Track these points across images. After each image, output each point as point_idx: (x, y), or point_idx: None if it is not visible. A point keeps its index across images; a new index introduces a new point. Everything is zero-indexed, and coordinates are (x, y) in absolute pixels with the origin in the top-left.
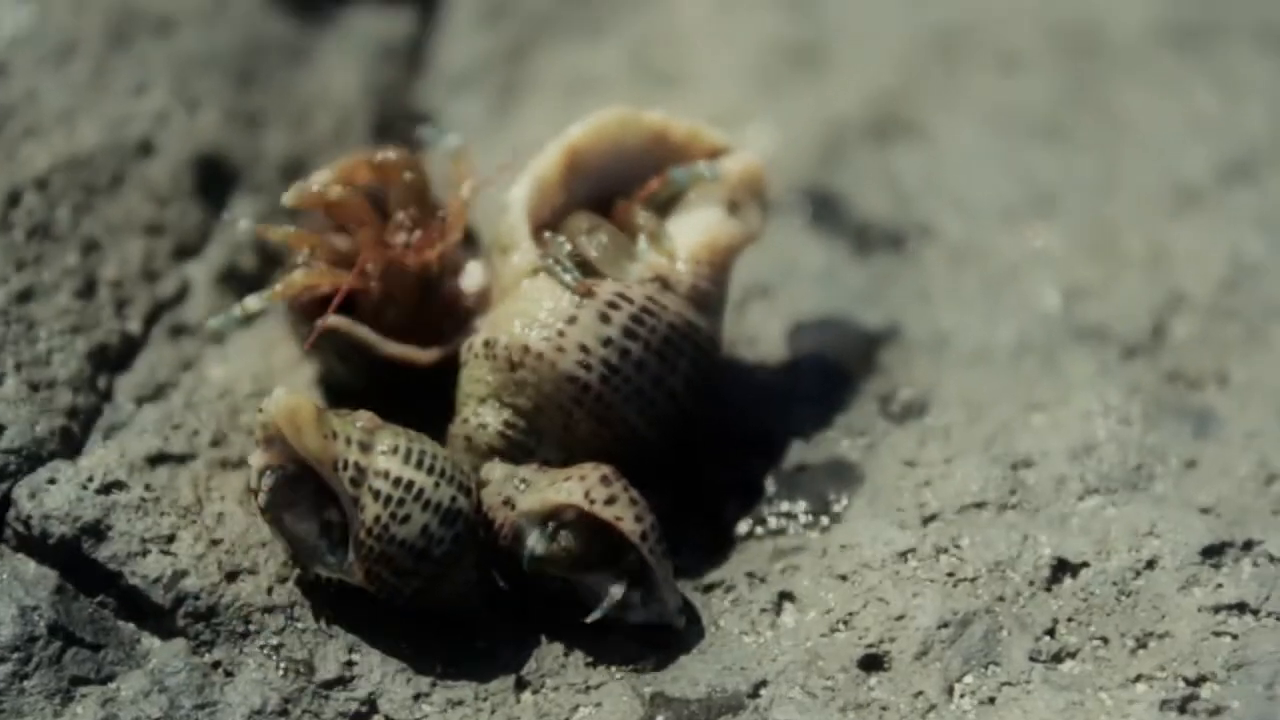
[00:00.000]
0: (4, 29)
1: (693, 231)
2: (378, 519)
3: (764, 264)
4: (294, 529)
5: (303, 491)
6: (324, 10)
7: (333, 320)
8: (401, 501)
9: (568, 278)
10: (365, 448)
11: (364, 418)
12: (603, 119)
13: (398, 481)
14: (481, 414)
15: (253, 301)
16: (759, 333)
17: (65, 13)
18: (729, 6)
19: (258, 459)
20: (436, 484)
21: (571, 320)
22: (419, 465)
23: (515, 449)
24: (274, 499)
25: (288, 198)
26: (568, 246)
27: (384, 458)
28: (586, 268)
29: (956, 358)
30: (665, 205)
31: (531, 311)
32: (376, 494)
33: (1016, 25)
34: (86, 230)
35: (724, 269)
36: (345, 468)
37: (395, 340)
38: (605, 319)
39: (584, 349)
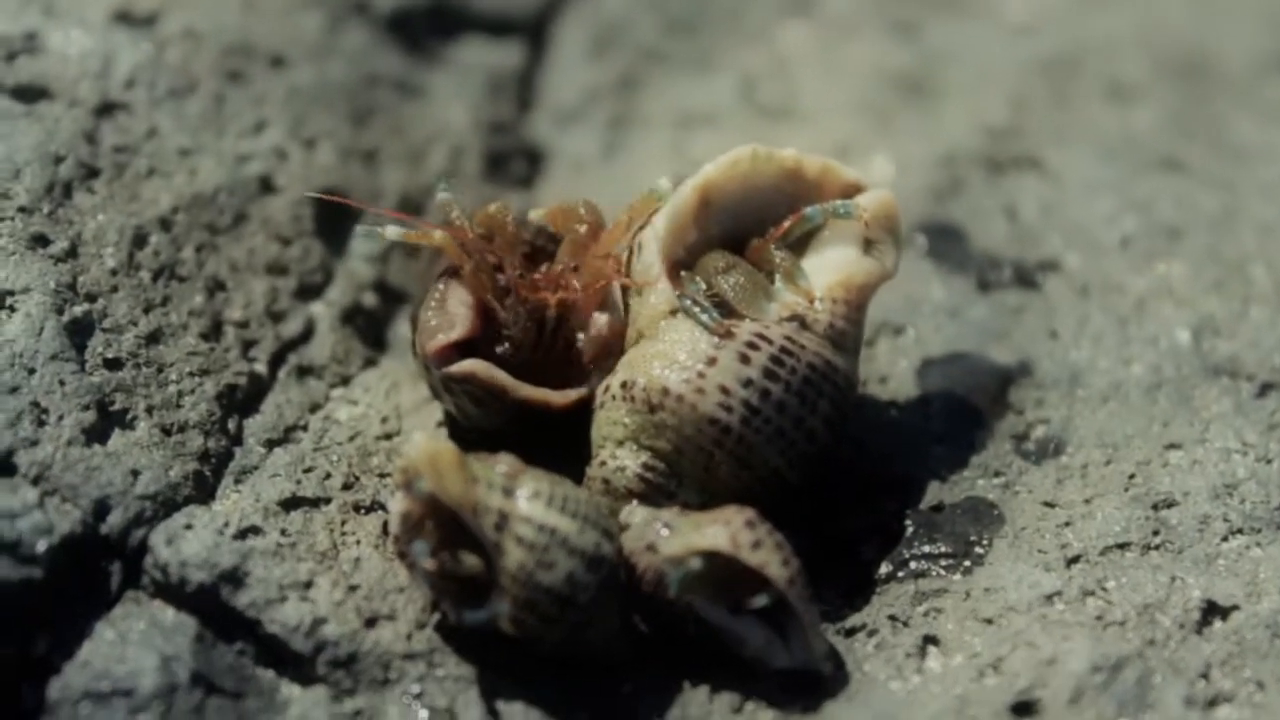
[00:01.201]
0: (121, 68)
1: (828, 270)
2: (522, 566)
3: (889, 300)
4: (448, 568)
5: (445, 538)
6: (434, 45)
7: (469, 364)
8: (546, 548)
9: (705, 318)
10: (508, 493)
11: (505, 462)
12: (736, 156)
13: (542, 528)
14: (620, 457)
15: (393, 230)
16: (889, 370)
17: (180, 50)
18: (835, 38)
19: (398, 504)
20: (581, 530)
21: (711, 361)
22: (563, 510)
23: (655, 491)
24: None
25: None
26: (704, 286)
27: (527, 503)
28: (723, 307)
29: (1089, 395)
30: (799, 244)
31: (670, 353)
32: (520, 539)
33: (1125, 55)
34: (211, 270)
35: (860, 308)
36: (488, 513)
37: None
38: (745, 360)
39: (724, 390)
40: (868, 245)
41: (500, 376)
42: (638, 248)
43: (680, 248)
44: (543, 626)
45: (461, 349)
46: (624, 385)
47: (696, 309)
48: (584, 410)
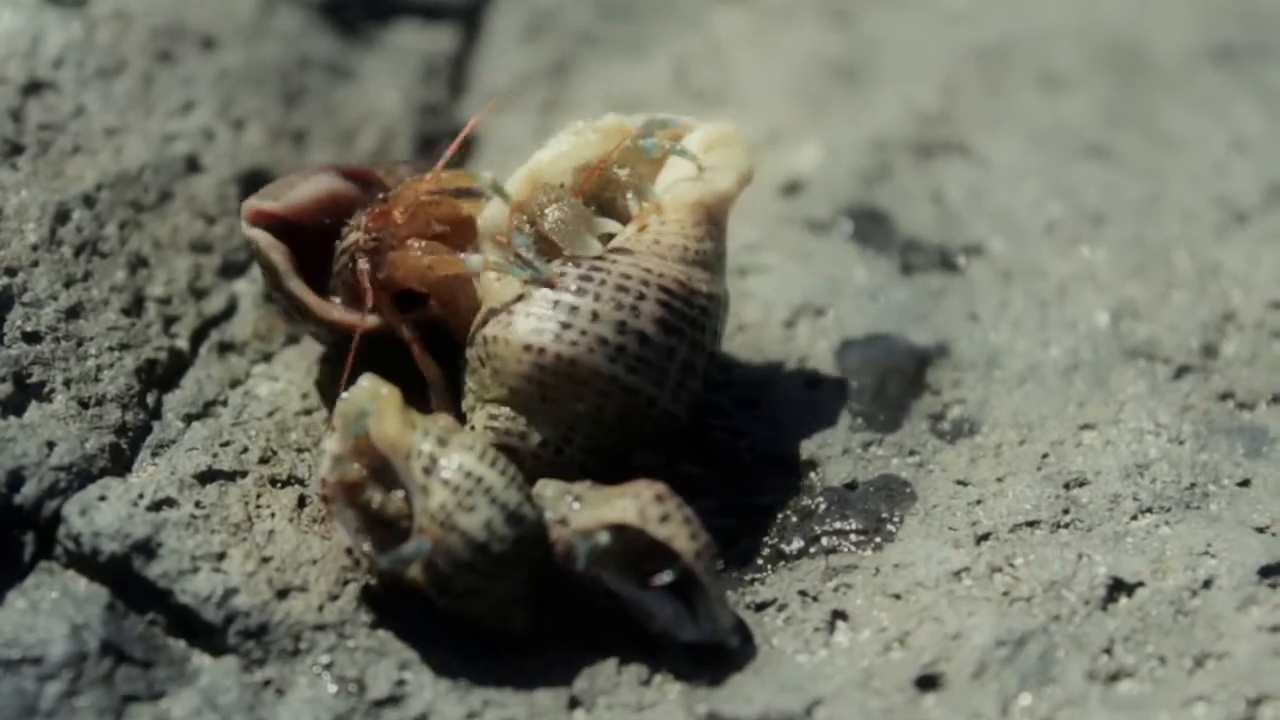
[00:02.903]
0: (50, 46)
1: (662, 197)
2: (443, 506)
3: (811, 282)
4: (361, 518)
5: (370, 486)
6: (366, 28)
7: (260, 234)
8: (470, 492)
9: (530, 268)
10: (442, 442)
11: (445, 419)
12: (560, 141)
13: (469, 474)
14: (473, 419)
15: None
16: (808, 350)
17: (110, 30)
18: (769, 24)
19: (333, 444)
20: (506, 485)
21: (520, 298)
22: (492, 465)
23: (508, 437)
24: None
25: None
26: (528, 227)
27: (459, 452)
28: (550, 246)
29: (1006, 376)
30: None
31: (490, 307)
32: (446, 482)
33: (1057, 44)
34: (134, 247)
35: (695, 224)
36: (419, 456)
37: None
38: (551, 285)
39: (534, 317)
40: (703, 170)
41: (277, 261)
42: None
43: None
44: (452, 572)
45: (281, 230)
46: (465, 359)
47: (523, 258)
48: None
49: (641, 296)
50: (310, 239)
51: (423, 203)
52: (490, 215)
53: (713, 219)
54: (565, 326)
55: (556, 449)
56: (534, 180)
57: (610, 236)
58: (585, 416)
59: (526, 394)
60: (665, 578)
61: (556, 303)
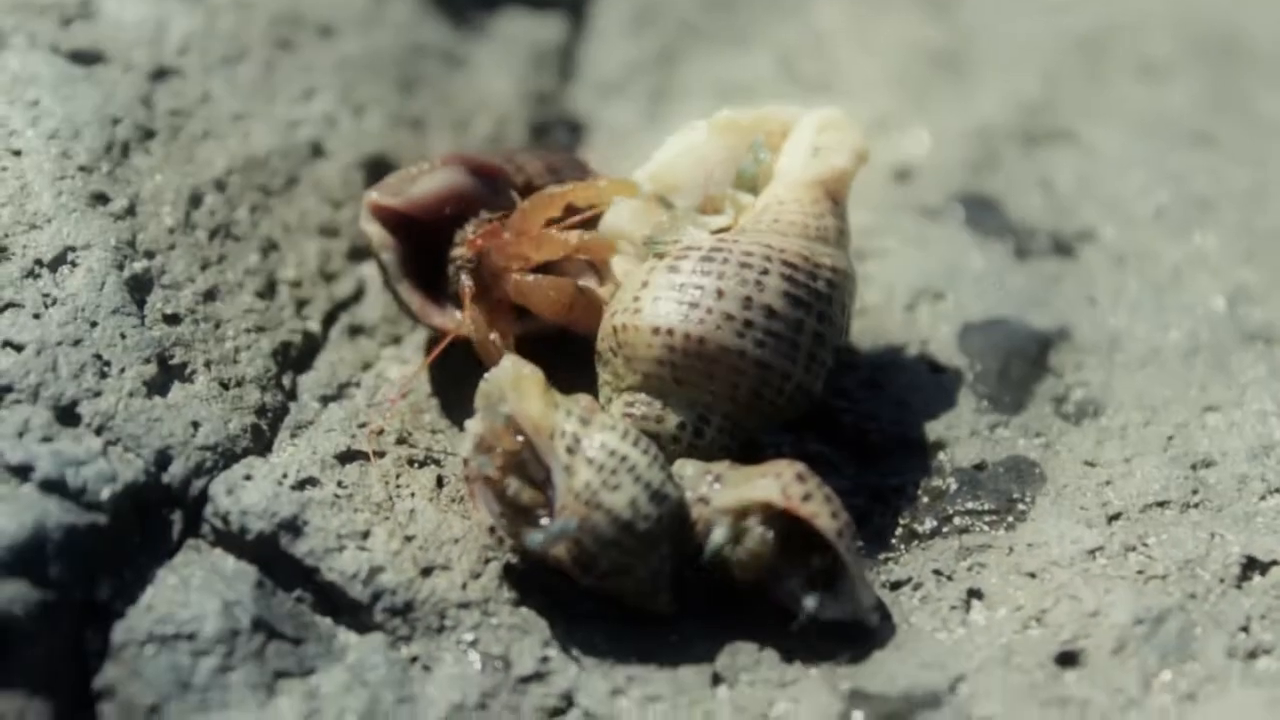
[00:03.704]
0: (173, 34)
1: (778, 182)
2: (588, 484)
3: (929, 266)
4: (510, 493)
5: (510, 470)
6: (476, 16)
7: (375, 229)
8: (615, 471)
9: (656, 248)
10: (585, 422)
11: (586, 399)
12: (673, 146)
13: (613, 453)
14: (610, 410)
15: None
16: (930, 334)
17: (230, 18)
18: (869, 13)
19: (476, 425)
20: (649, 465)
21: (645, 285)
22: (635, 444)
23: (644, 423)
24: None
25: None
26: (640, 238)
27: (602, 431)
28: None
29: (1127, 359)
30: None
31: (618, 302)
32: (590, 461)
33: (1157, 32)
34: (265, 230)
35: (813, 201)
36: (563, 436)
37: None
38: (675, 270)
39: (659, 300)
40: (816, 152)
41: (386, 261)
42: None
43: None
44: (598, 550)
45: (401, 223)
46: (597, 353)
47: (650, 244)
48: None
49: (765, 271)
50: (432, 232)
51: (533, 235)
52: (613, 219)
53: (831, 196)
54: (692, 306)
55: (695, 430)
56: (657, 181)
57: (725, 229)
58: (720, 395)
59: (660, 377)
60: (810, 605)
61: (681, 285)
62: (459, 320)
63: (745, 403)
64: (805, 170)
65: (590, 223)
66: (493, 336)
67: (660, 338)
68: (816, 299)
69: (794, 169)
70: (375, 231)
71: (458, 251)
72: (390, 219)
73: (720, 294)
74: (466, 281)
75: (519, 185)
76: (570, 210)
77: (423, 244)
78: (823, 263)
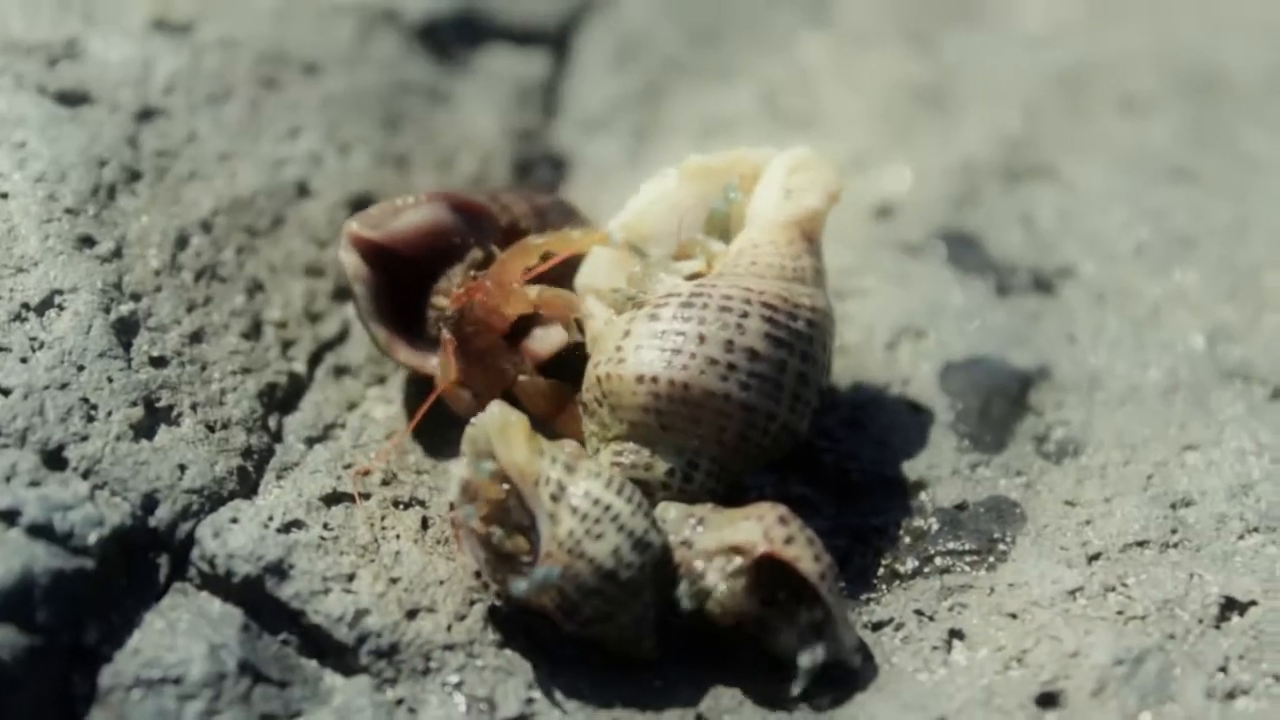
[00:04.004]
0: (160, 74)
1: (751, 226)
2: (571, 533)
3: (910, 304)
4: (494, 541)
5: (495, 517)
6: (460, 53)
7: (353, 260)
8: (598, 520)
9: (632, 299)
10: (570, 469)
11: (571, 445)
12: (645, 196)
13: (597, 502)
14: (600, 455)
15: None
16: (911, 373)
17: (216, 58)
18: (853, 49)
19: (462, 471)
20: (633, 513)
21: (626, 335)
22: (619, 493)
23: (633, 471)
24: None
25: None
26: (611, 292)
27: (587, 480)
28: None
29: (1107, 397)
30: (736, 224)
31: (601, 352)
32: (574, 510)
33: (1138, 69)
34: (251, 271)
35: (789, 242)
36: (548, 483)
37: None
38: (655, 317)
39: (642, 349)
40: (789, 194)
41: (359, 294)
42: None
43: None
44: (580, 599)
45: (380, 255)
46: (582, 404)
47: (625, 297)
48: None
49: (745, 315)
50: (412, 267)
51: (504, 289)
52: (587, 272)
53: (806, 236)
54: (675, 352)
55: (684, 476)
56: (630, 231)
57: (696, 276)
58: (707, 440)
59: (646, 425)
60: (819, 655)
61: (663, 332)
62: (425, 360)
63: (732, 446)
64: (779, 211)
65: (567, 272)
66: (464, 393)
67: (645, 385)
68: (798, 339)
69: (767, 211)
70: (351, 262)
71: (440, 301)
72: (369, 251)
73: (702, 339)
74: (446, 334)
75: (503, 225)
76: (546, 259)
77: (401, 278)
78: (802, 303)
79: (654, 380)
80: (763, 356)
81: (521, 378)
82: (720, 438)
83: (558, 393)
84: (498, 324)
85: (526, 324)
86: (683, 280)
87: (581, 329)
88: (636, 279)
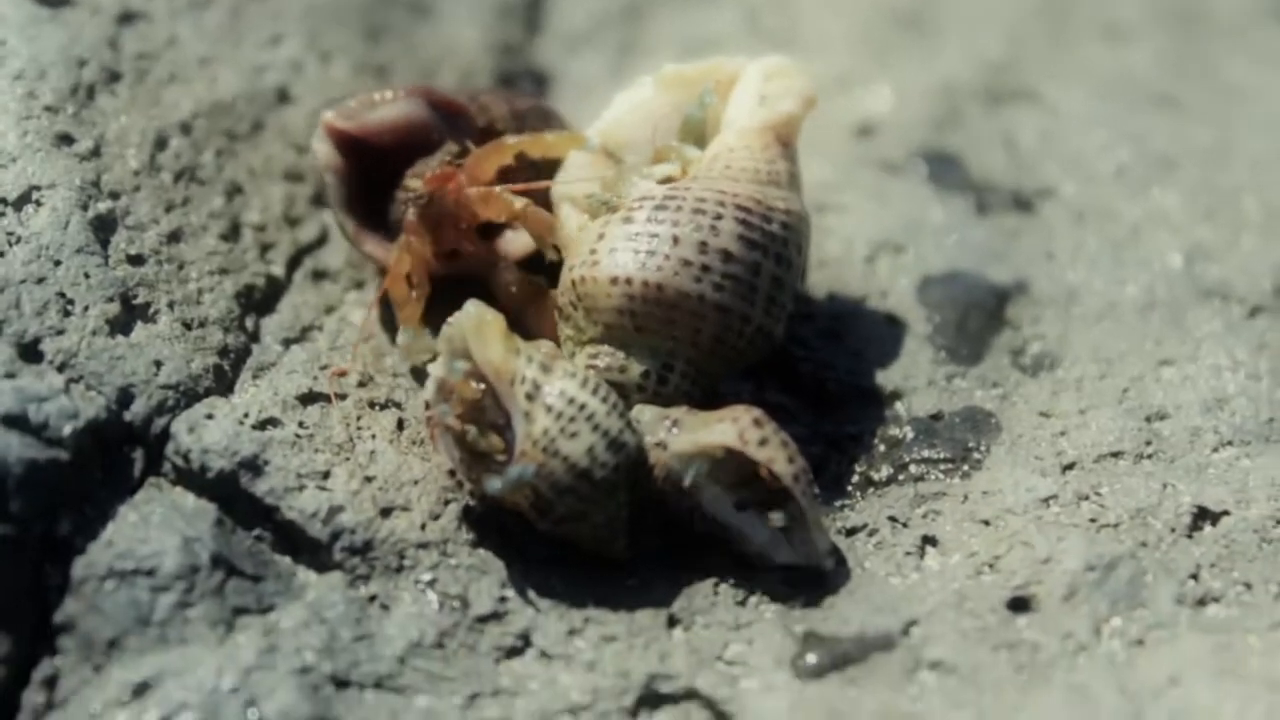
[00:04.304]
0: None
1: (727, 130)
2: (546, 431)
3: (890, 220)
4: (469, 439)
5: (470, 416)
6: None
7: (325, 149)
8: (573, 419)
9: (607, 203)
10: (545, 369)
11: (547, 345)
12: (622, 104)
13: (572, 401)
14: (576, 358)
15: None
16: (889, 286)
17: None
18: None
19: (438, 369)
20: (608, 413)
21: (600, 237)
22: (594, 392)
23: (608, 373)
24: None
25: None
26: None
27: (562, 379)
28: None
29: (1084, 313)
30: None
31: (576, 255)
32: (549, 408)
33: None
34: (230, 175)
35: (763, 146)
36: (523, 382)
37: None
38: (629, 220)
39: (616, 250)
40: (764, 99)
41: (330, 183)
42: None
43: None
44: (554, 495)
45: (355, 147)
46: (557, 309)
47: (600, 201)
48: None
49: (719, 216)
50: (386, 160)
51: (482, 191)
52: (565, 175)
53: (781, 141)
54: (649, 254)
55: (659, 378)
56: (607, 138)
57: (670, 180)
58: (682, 341)
59: (621, 328)
60: (779, 520)
61: (637, 234)
62: (385, 251)
63: (707, 348)
64: (753, 117)
65: (543, 174)
66: (408, 289)
67: (619, 287)
68: (772, 241)
69: (742, 117)
70: (324, 151)
71: (412, 183)
72: (343, 142)
73: (676, 240)
74: (411, 215)
75: (481, 126)
76: (521, 160)
77: (376, 173)
78: (776, 206)
79: (628, 282)
80: (737, 258)
81: (502, 269)
82: (695, 339)
83: (532, 286)
84: (466, 216)
85: (498, 225)
86: (657, 184)
87: (559, 251)
88: (611, 183)
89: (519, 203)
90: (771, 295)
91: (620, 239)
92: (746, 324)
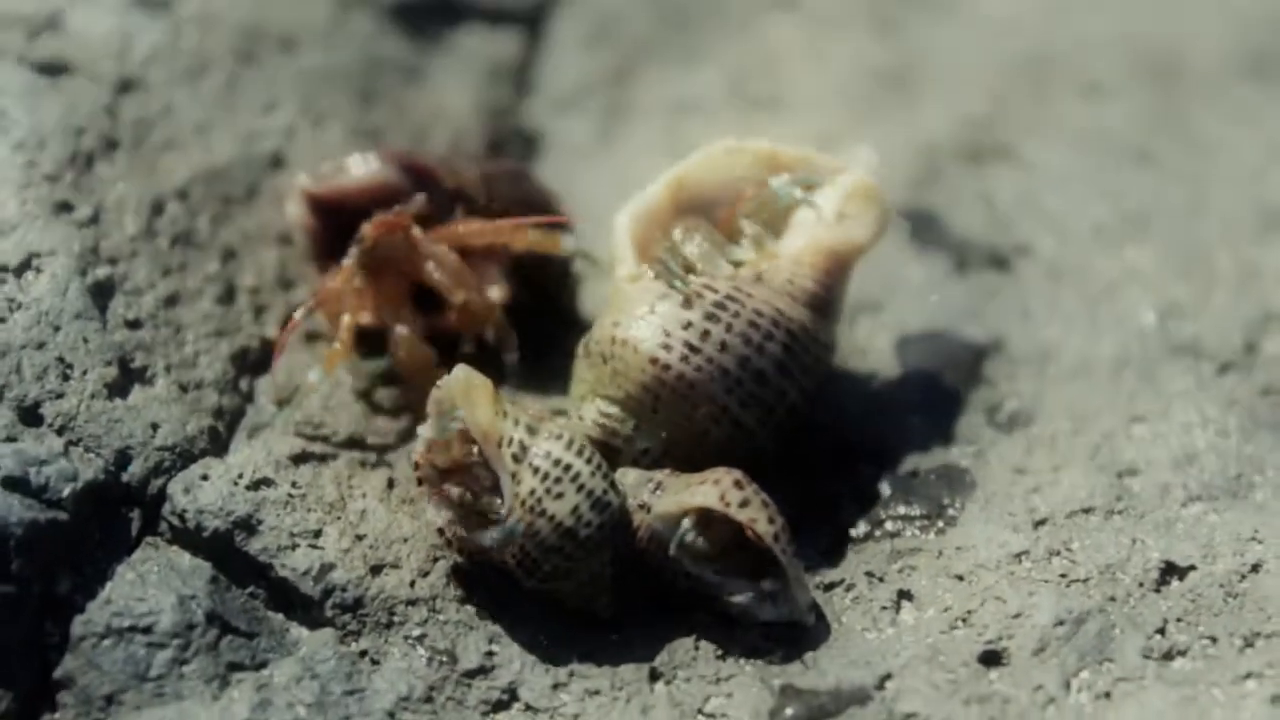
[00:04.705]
0: (139, 47)
1: (799, 238)
2: (533, 492)
3: (869, 280)
4: (457, 498)
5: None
6: (434, 31)
7: (296, 211)
8: (558, 480)
9: (677, 282)
10: (532, 431)
11: (534, 408)
12: (711, 152)
13: (557, 462)
14: (583, 410)
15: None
16: (868, 345)
17: (195, 31)
18: (820, 33)
19: (428, 430)
20: (592, 474)
21: (653, 310)
22: (579, 454)
23: (612, 436)
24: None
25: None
26: (667, 245)
27: (548, 441)
28: (687, 268)
29: (1059, 371)
30: (779, 222)
31: (625, 309)
32: (535, 470)
33: (1099, 54)
34: (225, 239)
35: (828, 271)
36: (510, 444)
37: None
38: (688, 305)
39: (665, 333)
40: (841, 219)
41: (299, 243)
42: (610, 231)
43: (656, 230)
44: (540, 556)
45: (328, 212)
46: (585, 345)
47: (662, 268)
48: None
49: (769, 337)
50: (358, 220)
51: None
52: (638, 206)
53: (843, 268)
54: (693, 350)
55: (655, 459)
56: (678, 185)
57: (740, 265)
58: (688, 434)
59: (641, 401)
60: (773, 614)
61: (689, 324)
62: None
63: (708, 448)
64: (827, 233)
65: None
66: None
67: (655, 369)
68: (803, 373)
69: (817, 229)
70: (294, 212)
71: (365, 229)
72: (316, 204)
73: (723, 347)
74: (350, 254)
75: (450, 188)
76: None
77: (349, 231)
78: (819, 338)
79: (665, 367)
80: (770, 383)
81: (400, 329)
82: (702, 440)
83: (426, 363)
84: (407, 268)
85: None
86: (728, 265)
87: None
88: (682, 250)
89: (461, 293)
90: (781, 422)
91: (672, 320)
92: (751, 440)
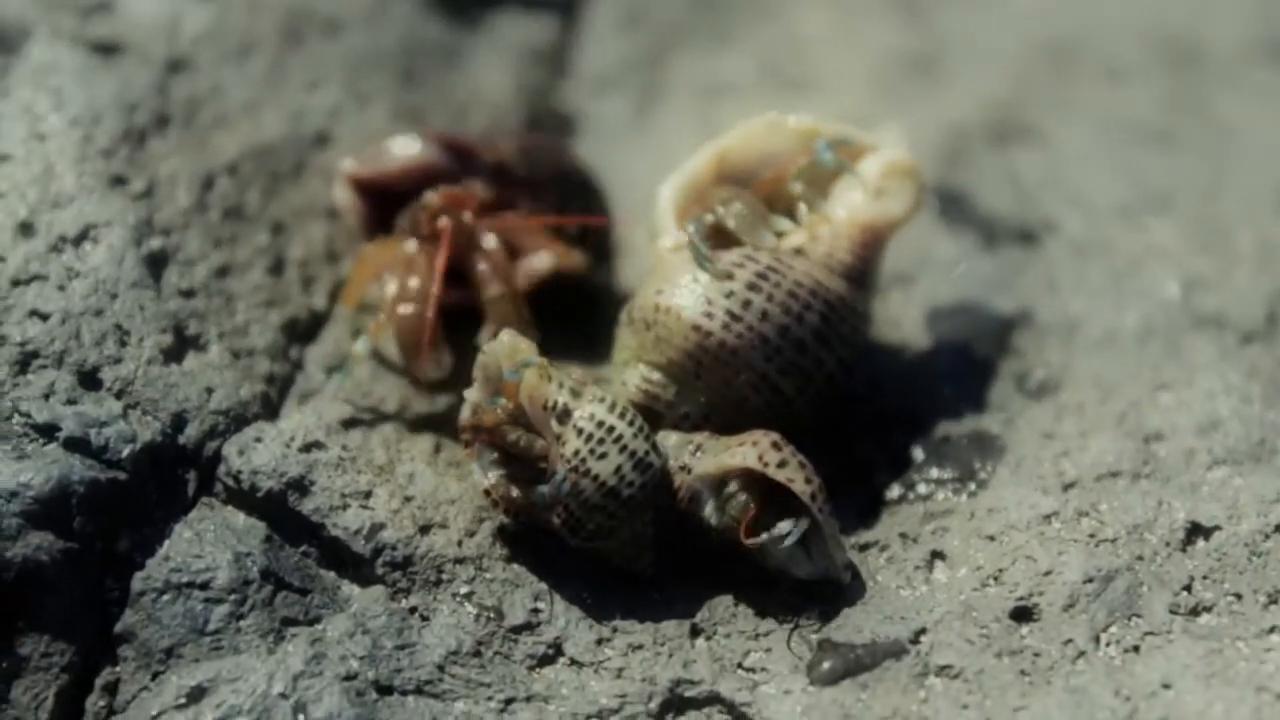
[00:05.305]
0: (187, 28)
1: (838, 211)
2: (577, 452)
3: (900, 255)
4: (502, 458)
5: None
6: (473, 14)
7: (344, 195)
8: (602, 440)
9: (701, 249)
10: (575, 394)
11: (577, 372)
12: (752, 125)
13: (601, 424)
14: (625, 375)
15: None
16: (900, 317)
17: (242, 13)
18: (848, 18)
19: (473, 393)
20: (635, 435)
21: (696, 279)
22: (621, 417)
23: (654, 401)
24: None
25: None
26: (708, 218)
27: (591, 404)
28: (724, 236)
29: (1085, 341)
30: (816, 191)
31: (668, 278)
32: (579, 431)
33: (1122, 39)
34: (274, 213)
35: (865, 244)
36: (555, 408)
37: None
38: (729, 275)
39: (708, 301)
40: (879, 194)
41: (351, 226)
42: (653, 201)
43: (697, 204)
44: (583, 513)
45: (373, 193)
46: (628, 312)
47: (695, 236)
48: None
49: (808, 307)
50: (402, 199)
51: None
52: (683, 175)
53: (879, 241)
54: (735, 318)
55: (695, 423)
56: (720, 158)
57: (782, 235)
58: (729, 400)
59: (683, 367)
60: (785, 528)
61: (731, 293)
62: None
63: (747, 414)
64: (866, 209)
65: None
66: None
67: (698, 335)
68: (841, 343)
69: (855, 202)
70: (342, 196)
71: (429, 197)
72: (361, 186)
73: (764, 316)
74: (404, 218)
75: (490, 163)
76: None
77: (394, 211)
78: (856, 308)
79: (707, 335)
80: (809, 352)
81: (404, 307)
82: (741, 404)
83: (419, 333)
84: (453, 247)
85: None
86: (770, 235)
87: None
88: (723, 220)
89: (495, 288)
90: (820, 390)
91: (715, 289)
92: (789, 407)
